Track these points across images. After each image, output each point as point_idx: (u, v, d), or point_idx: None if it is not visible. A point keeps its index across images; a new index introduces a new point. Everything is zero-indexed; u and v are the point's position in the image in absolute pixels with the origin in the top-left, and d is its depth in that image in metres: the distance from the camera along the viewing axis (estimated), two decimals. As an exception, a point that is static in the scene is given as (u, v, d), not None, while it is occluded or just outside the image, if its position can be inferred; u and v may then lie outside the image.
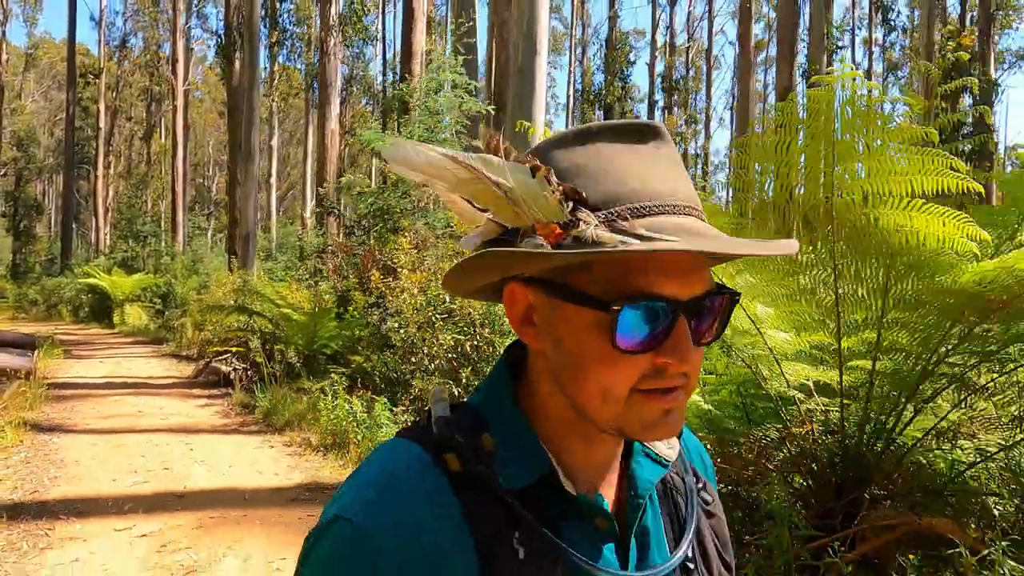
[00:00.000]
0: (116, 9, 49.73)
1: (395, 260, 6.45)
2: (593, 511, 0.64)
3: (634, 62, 26.51)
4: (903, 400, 2.78)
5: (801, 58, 13.59)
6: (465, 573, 0.57)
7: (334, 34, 16.82)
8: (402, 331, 5.94)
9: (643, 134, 0.62)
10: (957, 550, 2.22)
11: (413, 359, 5.82)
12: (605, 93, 26.25)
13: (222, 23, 20.90)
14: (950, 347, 2.56)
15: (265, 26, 20.59)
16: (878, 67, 30.00)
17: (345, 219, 9.44)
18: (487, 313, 5.50)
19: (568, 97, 33.73)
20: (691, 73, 32.12)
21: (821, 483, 2.91)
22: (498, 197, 0.59)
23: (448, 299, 5.70)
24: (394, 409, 5.53)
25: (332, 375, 7.11)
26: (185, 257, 22.88)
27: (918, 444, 2.89)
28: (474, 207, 0.63)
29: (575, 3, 34.46)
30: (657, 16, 29.46)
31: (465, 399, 0.69)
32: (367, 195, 8.18)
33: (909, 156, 2.32)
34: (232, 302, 11.19)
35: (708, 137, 33.93)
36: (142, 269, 22.70)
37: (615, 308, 0.56)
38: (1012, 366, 2.80)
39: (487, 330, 5.47)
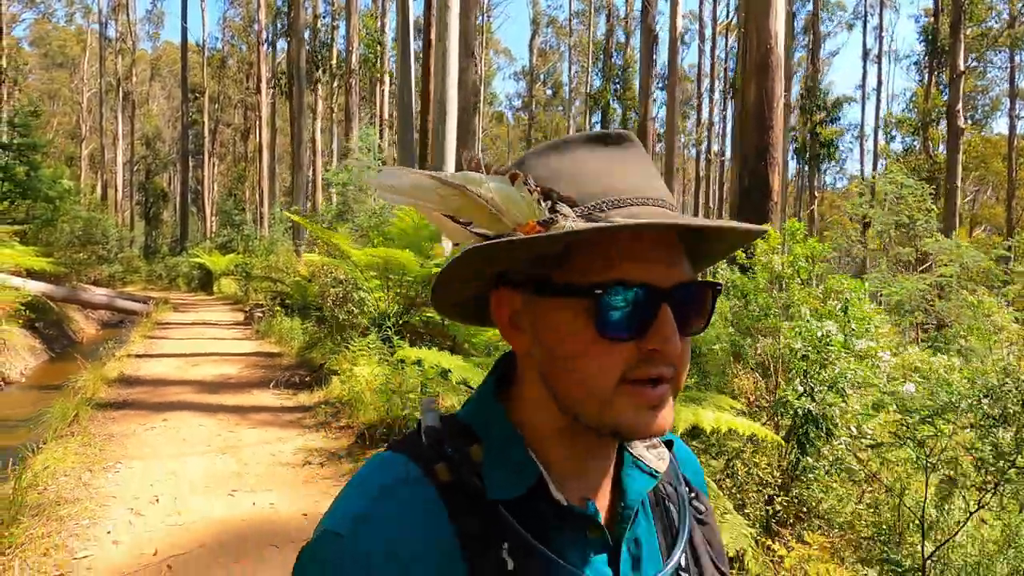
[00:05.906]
0: (216, 35, 58.33)
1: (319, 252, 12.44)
2: (584, 521, 0.64)
3: (627, 68, 31.14)
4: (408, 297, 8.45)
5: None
6: None
7: (355, 76, 22.84)
8: (317, 288, 11.93)
9: (612, 140, 0.65)
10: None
11: (320, 300, 11.79)
12: (599, 97, 31.04)
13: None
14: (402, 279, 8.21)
15: (316, 68, 26.97)
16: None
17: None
18: (349, 278, 11.30)
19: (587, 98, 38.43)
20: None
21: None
22: (480, 208, 0.61)
23: (332, 271, 11.54)
24: (304, 323, 11.53)
25: (313, 315, 13.13)
26: (265, 240, 29.72)
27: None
28: (457, 222, 0.64)
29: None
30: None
31: (454, 412, 0.70)
32: (316, 215, 14.13)
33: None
34: (267, 275, 17.58)
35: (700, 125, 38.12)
36: (236, 250, 28.91)
37: (598, 292, 0.58)
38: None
39: (351, 287, 11.30)
